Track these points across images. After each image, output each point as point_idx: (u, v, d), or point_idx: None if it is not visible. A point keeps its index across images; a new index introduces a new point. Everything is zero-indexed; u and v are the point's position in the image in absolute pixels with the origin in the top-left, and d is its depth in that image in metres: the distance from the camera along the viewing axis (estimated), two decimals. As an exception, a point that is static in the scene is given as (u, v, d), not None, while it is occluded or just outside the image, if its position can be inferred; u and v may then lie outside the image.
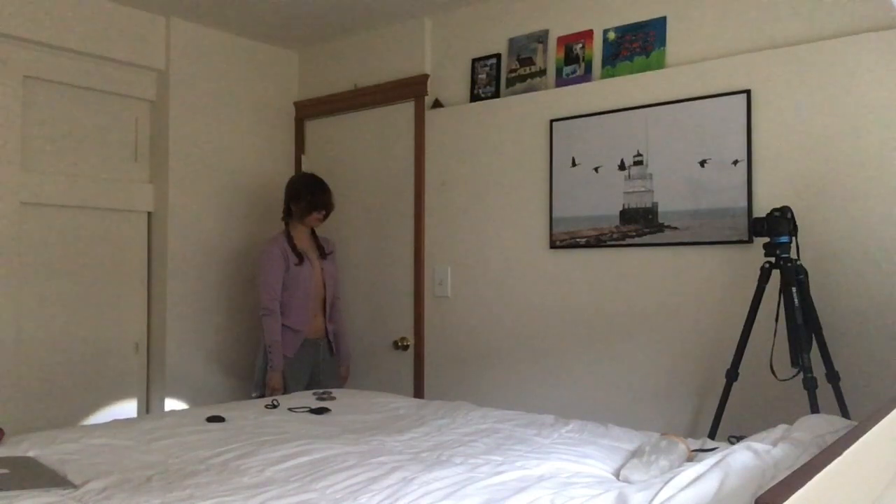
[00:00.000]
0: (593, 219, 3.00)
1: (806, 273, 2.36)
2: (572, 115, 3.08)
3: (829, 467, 1.03)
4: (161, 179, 3.59)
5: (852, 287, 2.45)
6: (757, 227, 2.40)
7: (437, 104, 3.56)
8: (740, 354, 2.44)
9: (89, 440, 2.04)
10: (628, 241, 2.92)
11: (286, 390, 3.21)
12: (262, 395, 3.16)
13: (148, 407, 3.54)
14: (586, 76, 3.09)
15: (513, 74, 3.30)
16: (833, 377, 2.32)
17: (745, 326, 2.43)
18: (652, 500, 1.42)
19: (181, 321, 3.58)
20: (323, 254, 3.51)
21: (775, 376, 2.38)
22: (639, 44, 2.95)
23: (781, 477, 1.16)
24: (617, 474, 1.72)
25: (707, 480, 1.43)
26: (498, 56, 3.36)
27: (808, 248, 2.46)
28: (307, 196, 3.39)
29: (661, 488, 1.45)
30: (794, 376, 2.32)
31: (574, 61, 3.12)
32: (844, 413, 2.25)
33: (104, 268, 3.45)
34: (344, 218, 3.92)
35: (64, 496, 1.57)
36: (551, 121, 3.13)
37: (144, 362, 3.59)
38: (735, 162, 2.67)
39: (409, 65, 3.64)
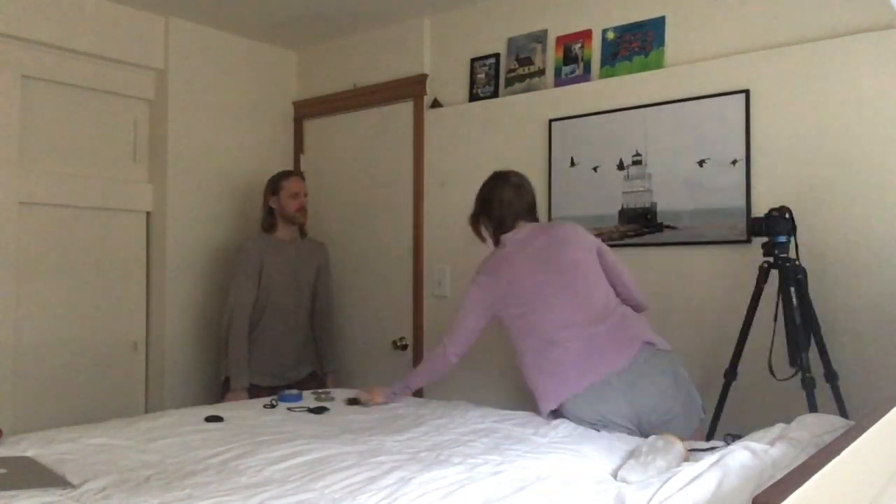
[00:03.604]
0: (592, 218, 3.00)
1: (804, 273, 2.36)
2: (571, 114, 3.07)
3: (826, 467, 1.03)
4: (160, 179, 3.58)
5: (851, 287, 2.45)
6: (755, 226, 2.40)
7: (435, 104, 3.56)
8: (739, 354, 2.44)
9: (88, 440, 2.04)
10: (627, 240, 2.92)
11: None
12: None
13: (146, 407, 3.54)
14: (585, 76, 3.09)
15: (512, 74, 3.30)
16: (831, 377, 2.32)
17: (743, 326, 2.43)
18: (650, 499, 1.42)
19: (180, 321, 3.58)
20: None
21: (774, 376, 2.37)
22: (638, 43, 2.95)
23: (779, 476, 1.16)
24: (614, 474, 1.72)
25: (705, 480, 1.43)
26: (497, 56, 3.36)
27: (807, 248, 2.45)
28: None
29: (659, 488, 1.45)
30: (792, 376, 2.32)
31: (573, 61, 3.12)
32: (843, 413, 2.25)
33: (103, 267, 3.45)
34: (342, 218, 3.92)
35: (62, 496, 1.57)
36: (550, 121, 3.13)
37: (143, 362, 3.58)
38: (734, 162, 2.67)
39: (408, 64, 3.64)
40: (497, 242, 2.57)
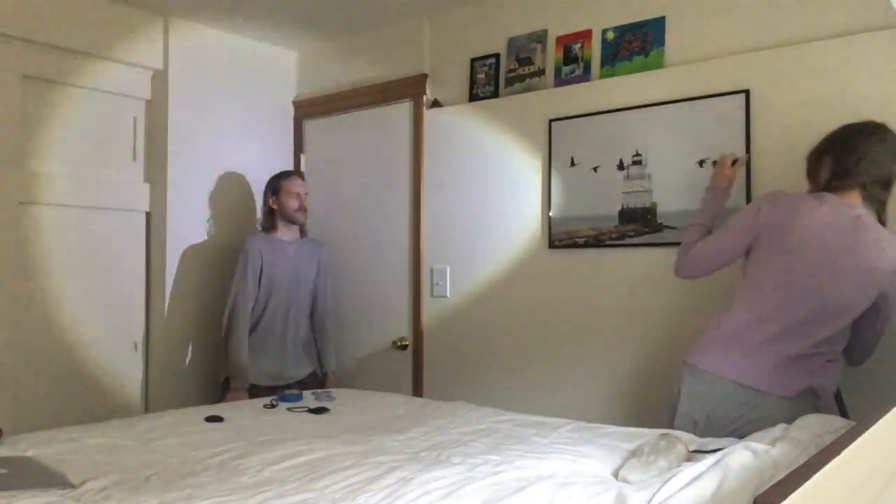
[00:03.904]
0: (592, 218, 3.00)
1: (805, 273, 2.35)
2: (571, 114, 3.07)
3: (827, 467, 1.03)
4: (159, 179, 3.58)
5: (851, 287, 2.44)
6: (756, 226, 2.39)
7: (435, 104, 3.56)
8: (739, 354, 2.43)
9: (88, 440, 2.04)
10: (627, 240, 2.91)
11: None
12: None
13: (146, 407, 3.54)
14: (585, 76, 3.09)
15: (512, 74, 3.30)
16: (832, 377, 2.31)
17: (744, 326, 2.41)
18: (650, 499, 1.42)
19: (180, 321, 3.58)
20: None
21: (774, 376, 2.36)
22: (638, 43, 2.95)
23: (780, 476, 1.16)
24: (615, 474, 1.72)
25: (706, 480, 1.43)
26: (497, 56, 3.36)
27: (807, 248, 2.45)
28: None
29: (660, 488, 1.45)
30: (792, 376, 2.31)
31: (573, 61, 3.12)
32: (843, 413, 2.25)
33: (102, 267, 3.45)
34: (342, 217, 3.92)
35: (62, 496, 1.57)
36: (550, 120, 3.13)
37: (143, 362, 3.58)
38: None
39: (408, 65, 3.64)
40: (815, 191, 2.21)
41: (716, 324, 2.22)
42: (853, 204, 2.13)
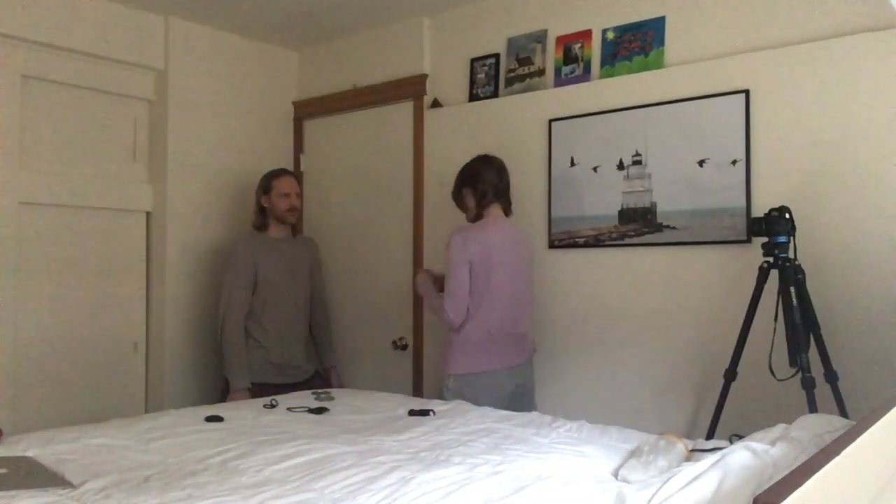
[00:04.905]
0: (592, 218, 3.00)
1: (804, 273, 2.36)
2: (571, 114, 3.08)
3: (827, 467, 1.03)
4: (160, 179, 3.59)
5: (850, 287, 2.45)
6: (755, 226, 2.40)
7: (435, 104, 3.56)
8: (739, 354, 2.44)
9: (87, 440, 2.04)
10: (627, 240, 2.92)
11: None
12: None
13: (146, 406, 3.54)
14: (585, 76, 3.09)
15: (511, 74, 3.30)
16: (831, 377, 2.32)
17: (743, 326, 2.43)
18: (650, 499, 1.42)
19: (180, 321, 3.58)
20: None
21: (774, 376, 2.38)
22: (638, 43, 2.95)
23: (780, 476, 1.16)
24: (615, 474, 1.72)
25: (705, 480, 1.43)
26: (497, 56, 3.36)
27: (807, 248, 2.46)
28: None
29: (660, 488, 1.45)
30: (792, 376, 2.32)
31: (573, 61, 3.12)
32: (843, 412, 2.25)
33: (103, 268, 3.45)
34: (342, 217, 3.92)
35: (62, 496, 1.57)
36: (550, 121, 3.13)
37: (143, 362, 3.59)
38: (734, 162, 2.67)
39: (408, 65, 3.64)
40: (478, 217, 2.92)
41: (471, 348, 2.81)
42: (502, 217, 2.93)
